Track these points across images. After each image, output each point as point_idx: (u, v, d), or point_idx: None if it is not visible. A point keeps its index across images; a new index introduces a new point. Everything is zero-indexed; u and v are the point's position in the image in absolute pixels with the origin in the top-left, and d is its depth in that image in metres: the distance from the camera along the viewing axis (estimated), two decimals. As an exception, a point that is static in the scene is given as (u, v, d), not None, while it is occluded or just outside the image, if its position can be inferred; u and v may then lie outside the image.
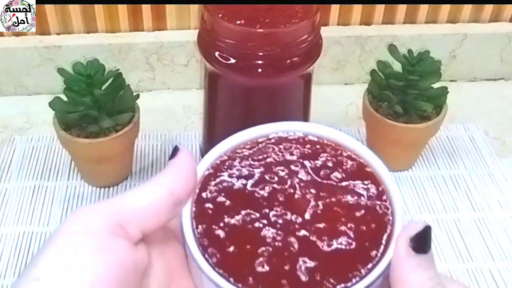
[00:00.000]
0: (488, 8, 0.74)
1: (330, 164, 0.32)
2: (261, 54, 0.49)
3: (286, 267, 0.28)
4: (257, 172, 0.32)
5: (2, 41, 0.70)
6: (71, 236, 0.27)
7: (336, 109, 0.72)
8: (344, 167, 0.32)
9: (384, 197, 0.30)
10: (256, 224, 0.29)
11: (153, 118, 0.69)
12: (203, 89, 0.58)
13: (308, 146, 0.33)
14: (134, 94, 0.59)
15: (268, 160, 0.32)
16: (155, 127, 0.69)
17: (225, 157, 0.33)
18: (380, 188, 0.31)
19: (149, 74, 0.73)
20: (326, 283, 0.27)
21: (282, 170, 0.32)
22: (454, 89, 0.61)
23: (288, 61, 0.51)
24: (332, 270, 0.28)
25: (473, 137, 0.69)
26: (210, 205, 0.30)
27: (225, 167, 0.32)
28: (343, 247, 0.28)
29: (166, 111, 0.72)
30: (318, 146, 0.33)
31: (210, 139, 0.61)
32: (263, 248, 0.28)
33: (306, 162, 0.32)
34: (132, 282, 0.28)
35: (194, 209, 0.30)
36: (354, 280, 0.27)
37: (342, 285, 0.27)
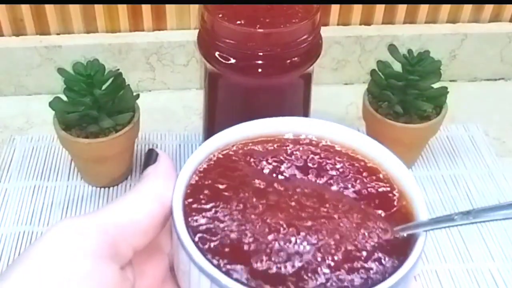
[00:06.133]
0: (488, 8, 0.74)
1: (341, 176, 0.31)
2: (261, 54, 0.49)
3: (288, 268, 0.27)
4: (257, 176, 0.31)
5: (2, 41, 0.70)
6: (49, 256, 0.23)
7: (336, 109, 0.72)
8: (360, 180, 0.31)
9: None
10: (255, 222, 0.28)
11: (153, 118, 0.69)
12: (203, 89, 0.58)
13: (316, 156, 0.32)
14: (134, 94, 0.59)
15: (272, 163, 0.31)
16: (155, 127, 0.69)
17: (229, 151, 0.32)
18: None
19: (149, 74, 0.73)
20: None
21: (283, 176, 0.31)
22: (454, 89, 0.61)
23: (288, 61, 0.51)
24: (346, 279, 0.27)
25: (473, 137, 0.69)
26: (203, 202, 0.29)
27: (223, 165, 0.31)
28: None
29: (166, 111, 0.72)
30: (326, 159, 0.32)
31: (210, 139, 0.61)
32: (262, 246, 0.27)
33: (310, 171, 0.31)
34: None
35: (185, 202, 0.29)
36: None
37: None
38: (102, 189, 0.61)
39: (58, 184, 0.62)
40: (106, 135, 0.56)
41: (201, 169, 0.31)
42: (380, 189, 0.31)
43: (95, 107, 0.56)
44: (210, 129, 0.60)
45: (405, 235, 0.29)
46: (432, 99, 0.59)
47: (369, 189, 0.31)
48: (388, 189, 0.31)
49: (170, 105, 0.73)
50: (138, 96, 0.59)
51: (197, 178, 0.30)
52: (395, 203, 0.30)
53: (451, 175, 0.64)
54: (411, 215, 0.30)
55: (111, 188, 0.62)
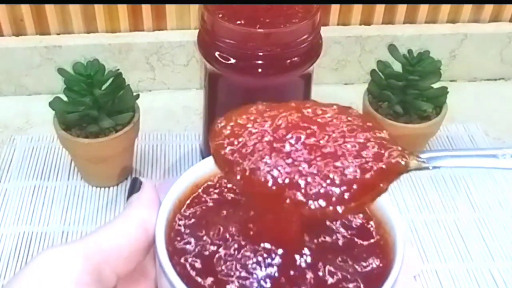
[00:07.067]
0: (488, 8, 0.74)
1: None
2: (261, 54, 0.49)
3: None
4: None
5: (2, 41, 0.70)
6: (33, 286, 0.24)
7: (336, 109, 0.72)
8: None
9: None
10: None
11: (153, 118, 0.69)
12: (203, 89, 0.58)
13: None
14: (134, 94, 0.59)
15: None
16: (155, 127, 0.69)
17: (213, 180, 0.32)
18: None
19: (149, 74, 0.73)
20: None
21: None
22: (454, 89, 0.61)
23: (288, 61, 0.51)
24: None
25: (473, 137, 0.69)
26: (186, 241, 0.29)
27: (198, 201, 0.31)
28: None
29: (166, 111, 0.72)
30: None
31: (210, 139, 0.61)
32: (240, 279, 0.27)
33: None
34: None
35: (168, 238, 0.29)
36: None
37: None
38: (102, 189, 0.61)
39: (58, 184, 0.62)
40: (106, 135, 0.57)
41: (184, 198, 0.31)
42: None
43: (95, 107, 0.56)
44: (210, 129, 0.60)
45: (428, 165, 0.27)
46: (432, 99, 0.59)
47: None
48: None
49: (170, 105, 0.73)
50: (138, 96, 0.59)
51: (180, 205, 0.30)
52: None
53: (451, 175, 0.64)
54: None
55: (111, 188, 0.62)
